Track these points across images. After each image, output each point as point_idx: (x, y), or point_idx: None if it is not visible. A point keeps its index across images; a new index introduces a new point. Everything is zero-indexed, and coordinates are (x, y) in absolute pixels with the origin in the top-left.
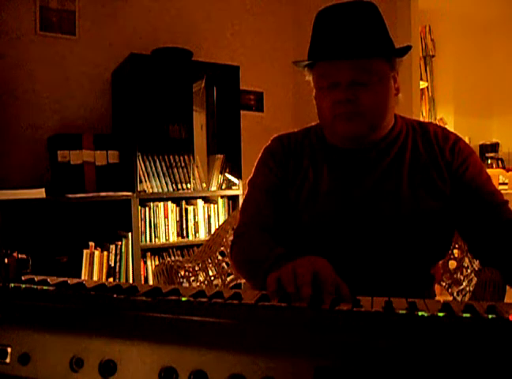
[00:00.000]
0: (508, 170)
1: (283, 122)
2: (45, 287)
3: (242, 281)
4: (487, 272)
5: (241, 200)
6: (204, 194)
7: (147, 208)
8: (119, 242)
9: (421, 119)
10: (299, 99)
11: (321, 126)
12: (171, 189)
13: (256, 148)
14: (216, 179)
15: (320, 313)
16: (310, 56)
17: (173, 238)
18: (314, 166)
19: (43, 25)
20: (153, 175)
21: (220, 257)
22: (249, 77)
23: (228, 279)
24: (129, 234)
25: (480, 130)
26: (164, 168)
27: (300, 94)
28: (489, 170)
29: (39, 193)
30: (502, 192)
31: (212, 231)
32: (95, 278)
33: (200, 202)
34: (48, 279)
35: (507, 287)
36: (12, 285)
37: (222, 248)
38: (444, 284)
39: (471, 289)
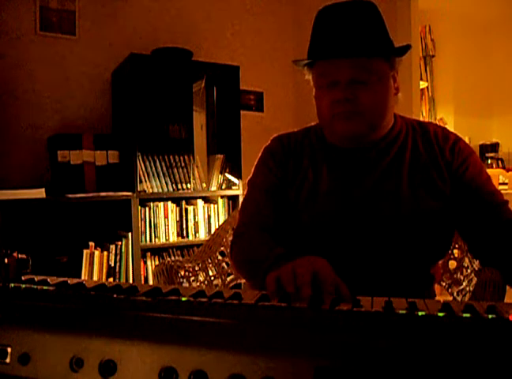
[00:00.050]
0: (508, 170)
1: (283, 122)
2: (45, 287)
3: (242, 281)
4: (487, 272)
5: (241, 200)
6: (204, 194)
7: (147, 208)
8: (119, 242)
9: (421, 119)
10: (299, 99)
11: (321, 126)
12: (171, 189)
13: (256, 148)
14: (216, 179)
15: (320, 313)
16: (310, 55)
17: (173, 238)
18: (314, 166)
19: (43, 25)
20: (153, 175)
21: (220, 257)
22: (249, 77)
23: (228, 279)
24: (129, 234)
25: (480, 130)
26: (164, 168)
27: (300, 94)
28: (489, 170)
29: (39, 193)
30: (502, 192)
31: (212, 231)
32: (95, 278)
33: (200, 202)
34: (48, 279)
35: (507, 287)
36: (12, 285)
37: (222, 248)
38: (444, 284)
39: (471, 289)
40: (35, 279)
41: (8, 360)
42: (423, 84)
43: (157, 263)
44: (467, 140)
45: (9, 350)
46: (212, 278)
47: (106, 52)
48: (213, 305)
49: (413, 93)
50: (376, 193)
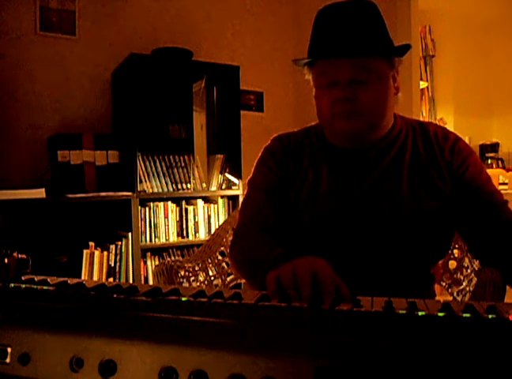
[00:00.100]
0: (508, 170)
1: (283, 122)
2: (45, 287)
3: (242, 281)
4: (487, 272)
5: (241, 200)
6: (204, 194)
7: (147, 208)
8: (119, 242)
9: (421, 119)
10: (299, 99)
11: (321, 126)
12: (171, 189)
13: (256, 148)
14: (216, 179)
15: (320, 313)
16: (310, 54)
17: (173, 238)
18: (314, 166)
19: (43, 25)
20: (153, 175)
21: (220, 257)
22: (249, 77)
23: (228, 279)
24: (129, 234)
25: (480, 130)
26: (164, 168)
27: (300, 94)
28: (489, 170)
29: (39, 193)
30: (502, 192)
31: (212, 231)
32: (95, 278)
33: (200, 202)
34: (48, 279)
35: (507, 287)
36: (12, 285)
37: (222, 248)
38: (444, 284)
39: (471, 289)
40: (35, 279)
41: (8, 360)
42: (423, 84)
43: (157, 263)
44: (467, 140)
45: (9, 350)
46: (212, 278)
47: (106, 52)
48: (213, 305)
49: (413, 93)
50: (376, 193)
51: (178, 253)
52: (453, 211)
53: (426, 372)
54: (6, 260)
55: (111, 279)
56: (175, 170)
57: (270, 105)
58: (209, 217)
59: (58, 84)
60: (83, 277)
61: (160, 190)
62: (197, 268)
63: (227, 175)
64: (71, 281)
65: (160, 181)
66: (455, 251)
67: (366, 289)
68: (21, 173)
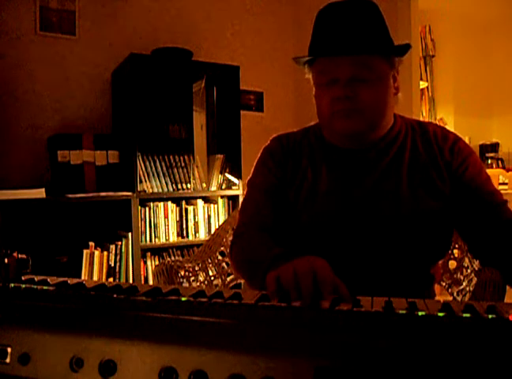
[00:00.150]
0: (508, 170)
1: (283, 122)
2: (45, 287)
3: (242, 281)
4: (487, 272)
5: (241, 200)
6: (204, 194)
7: (147, 208)
8: (119, 242)
9: (421, 119)
10: (299, 99)
11: (321, 126)
12: (171, 189)
13: (256, 148)
14: (216, 179)
15: (320, 313)
16: (310, 52)
17: (173, 238)
18: (313, 166)
19: (43, 25)
20: (153, 175)
21: (220, 257)
22: (249, 77)
23: (228, 279)
24: (129, 234)
25: (480, 130)
26: (164, 168)
27: (300, 94)
28: (489, 170)
29: (39, 193)
30: (502, 192)
31: (212, 231)
32: (95, 278)
33: (200, 202)
34: (48, 279)
35: (507, 287)
36: (12, 285)
37: (222, 248)
38: (444, 284)
39: (471, 289)
40: (35, 279)
41: (8, 360)
42: (423, 84)
43: (157, 263)
44: (467, 140)
45: (9, 350)
46: (212, 278)
47: (106, 52)
48: (213, 305)
49: (413, 93)
50: (376, 193)
51: (178, 253)
52: (452, 211)
53: (426, 372)
54: (6, 260)
55: (111, 279)
56: (175, 170)
57: (270, 105)
58: (209, 217)
59: (58, 84)
60: (83, 277)
61: (160, 190)
62: (197, 268)
63: (227, 175)
64: (71, 281)
65: (159, 181)
66: (455, 251)
67: (366, 289)
68: (21, 173)
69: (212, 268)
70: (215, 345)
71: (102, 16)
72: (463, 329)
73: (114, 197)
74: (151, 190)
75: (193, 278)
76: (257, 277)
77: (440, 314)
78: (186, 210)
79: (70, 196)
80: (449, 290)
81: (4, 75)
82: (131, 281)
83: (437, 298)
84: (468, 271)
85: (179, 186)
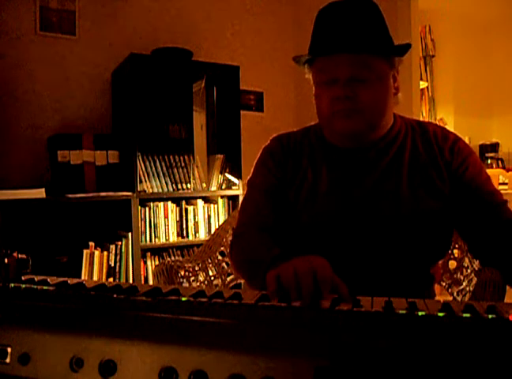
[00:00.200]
0: (508, 170)
1: (283, 122)
2: (45, 287)
3: (242, 281)
4: (487, 272)
5: (241, 200)
6: (204, 194)
7: (147, 208)
8: (119, 242)
9: (421, 119)
10: (299, 99)
11: (321, 125)
12: (171, 189)
13: (256, 148)
14: (216, 179)
15: (320, 313)
16: (310, 51)
17: (173, 238)
18: (313, 166)
19: (43, 25)
20: (153, 175)
21: (220, 257)
22: (249, 77)
23: (228, 279)
24: (129, 234)
25: (480, 130)
26: (164, 168)
27: (300, 94)
28: (489, 170)
29: (39, 193)
30: (502, 192)
31: (212, 231)
32: (95, 278)
33: (200, 202)
34: (48, 279)
35: (507, 287)
36: (12, 285)
37: (222, 248)
38: (444, 284)
39: (471, 289)
40: (35, 279)
41: (8, 360)
42: (423, 84)
43: (157, 263)
44: (467, 140)
45: (9, 350)
46: (212, 278)
47: (106, 52)
48: (213, 305)
49: (413, 93)
50: (376, 193)
51: (178, 253)
52: (452, 211)
53: (426, 372)
54: (6, 260)
55: (111, 279)
56: (175, 170)
57: (270, 105)
58: (209, 217)
59: (58, 84)
60: (83, 277)
61: (160, 190)
62: (197, 268)
63: (227, 175)
64: (71, 281)
65: (160, 181)
66: (455, 251)
67: (366, 289)
68: (21, 173)
69: (212, 268)
70: (215, 345)
71: (102, 16)
72: (463, 329)
73: (114, 197)
74: (151, 190)
75: (193, 278)
76: (258, 277)
77: (440, 314)
78: (186, 210)
79: (70, 196)
80: (449, 290)
81: (4, 75)
82: (131, 281)
83: (437, 298)
84: (468, 271)
85: (179, 186)
